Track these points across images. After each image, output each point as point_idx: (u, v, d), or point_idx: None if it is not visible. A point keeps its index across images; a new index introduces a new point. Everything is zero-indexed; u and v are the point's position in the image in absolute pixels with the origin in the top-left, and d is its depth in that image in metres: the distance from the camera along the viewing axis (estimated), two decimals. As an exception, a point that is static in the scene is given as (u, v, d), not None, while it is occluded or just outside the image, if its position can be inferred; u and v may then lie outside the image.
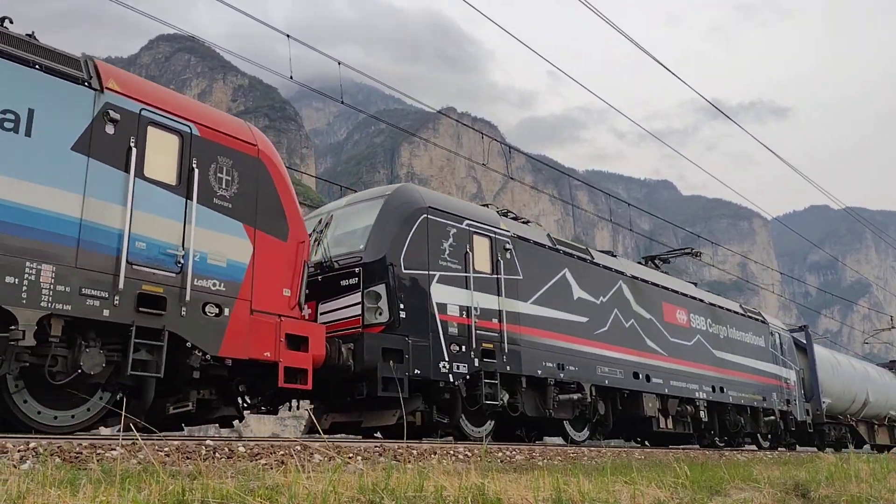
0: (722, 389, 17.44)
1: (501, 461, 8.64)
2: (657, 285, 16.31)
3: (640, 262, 18.89)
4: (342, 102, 13.81)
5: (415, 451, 7.68)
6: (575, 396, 12.44)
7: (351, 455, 6.96)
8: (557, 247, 13.28)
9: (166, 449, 5.81)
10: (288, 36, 12.29)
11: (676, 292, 17.10)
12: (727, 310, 19.44)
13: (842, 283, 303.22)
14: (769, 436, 20.77)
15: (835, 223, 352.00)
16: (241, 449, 6.37)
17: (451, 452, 8.15)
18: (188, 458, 5.78)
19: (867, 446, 27.81)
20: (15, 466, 4.78)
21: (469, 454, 8.29)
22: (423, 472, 4.50)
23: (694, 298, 17.80)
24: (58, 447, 5.31)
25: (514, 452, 9.20)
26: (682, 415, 15.81)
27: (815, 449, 22.90)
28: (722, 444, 18.85)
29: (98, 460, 5.20)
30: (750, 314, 20.74)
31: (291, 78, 12.44)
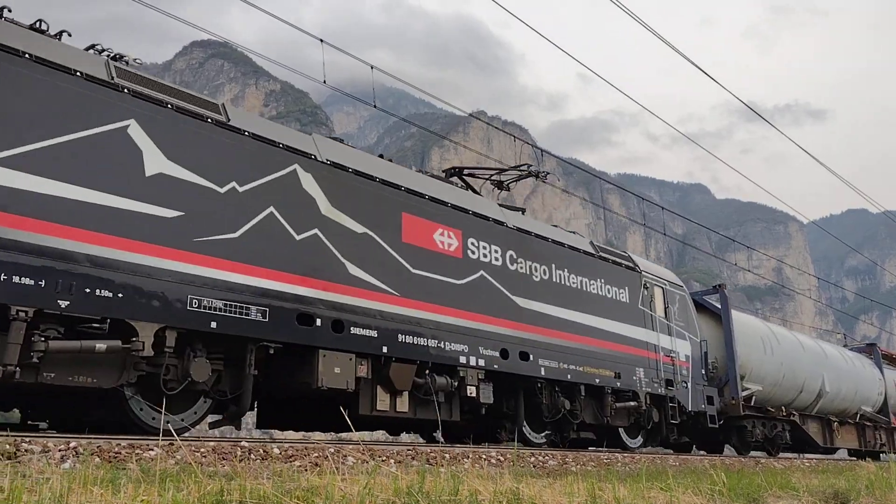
0: (526, 356, 11.50)
1: (534, 466, 8.67)
2: (394, 186, 10.37)
3: (442, 177, 13.21)
4: (374, 106, 13.88)
5: (447, 455, 7.72)
6: (103, 346, 6.89)
7: (384, 458, 7.01)
8: (116, 80, 7.56)
9: (203, 450, 5.89)
10: (321, 41, 12.40)
11: (440, 202, 10.99)
12: (556, 242, 13.12)
13: (881, 288, 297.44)
14: (642, 430, 14.83)
15: (873, 227, 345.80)
16: (276, 451, 6.44)
17: (484, 457, 8.21)
18: (224, 459, 5.86)
19: (844, 451, 22.00)
20: (56, 466, 4.88)
21: (502, 458, 8.35)
22: (457, 476, 4.50)
23: (481, 217, 11.65)
24: (97, 447, 5.41)
25: (546, 457, 9.22)
26: (424, 390, 10.04)
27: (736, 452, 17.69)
28: (541, 441, 12.63)
29: (137, 460, 5.29)
30: (606, 254, 14.41)
31: (325, 82, 12.54)
